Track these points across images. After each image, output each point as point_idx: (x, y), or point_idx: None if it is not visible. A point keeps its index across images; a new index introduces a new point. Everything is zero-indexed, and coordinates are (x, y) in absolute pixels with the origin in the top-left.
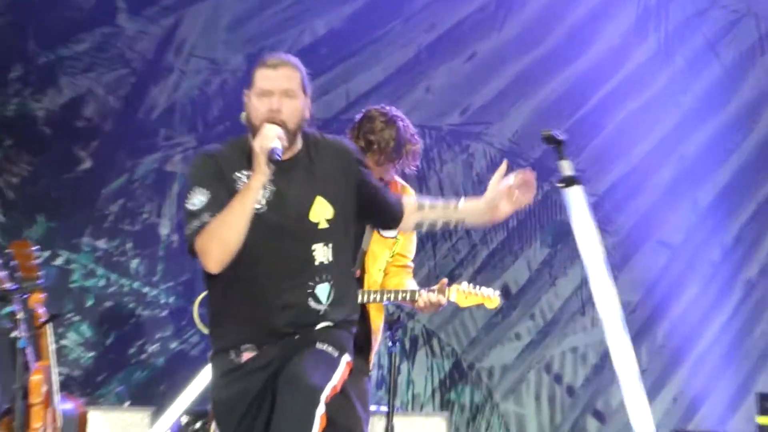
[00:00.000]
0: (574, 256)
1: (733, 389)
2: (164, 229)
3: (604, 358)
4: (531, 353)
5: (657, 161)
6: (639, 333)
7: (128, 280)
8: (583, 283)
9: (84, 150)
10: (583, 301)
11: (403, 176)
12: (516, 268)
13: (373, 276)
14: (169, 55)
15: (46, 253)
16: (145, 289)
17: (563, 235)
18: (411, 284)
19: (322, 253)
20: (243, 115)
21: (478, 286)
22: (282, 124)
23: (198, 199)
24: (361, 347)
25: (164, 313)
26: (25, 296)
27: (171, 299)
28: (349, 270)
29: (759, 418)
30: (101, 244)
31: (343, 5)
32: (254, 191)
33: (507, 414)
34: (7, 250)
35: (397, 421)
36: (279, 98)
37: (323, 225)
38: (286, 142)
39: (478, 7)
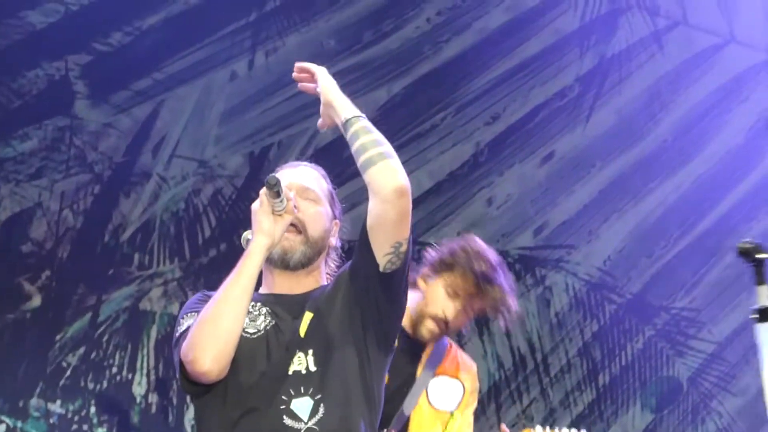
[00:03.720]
0: (687, 423)
1: None
2: (139, 388)
3: None
4: None
5: None
6: None
7: None
8: None
9: (32, 283)
10: None
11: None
12: None
13: None
14: (145, 156)
15: None
16: None
17: (671, 396)
18: None
19: (298, 362)
20: (246, 235)
21: (556, 428)
22: (300, 226)
23: (184, 324)
24: None
25: None
26: None
27: None
28: (350, 386)
29: None
30: (55, 407)
31: (376, 89)
32: (255, 256)
33: None
34: None
35: None
36: (296, 197)
37: (302, 333)
38: (293, 206)
39: (557, 93)
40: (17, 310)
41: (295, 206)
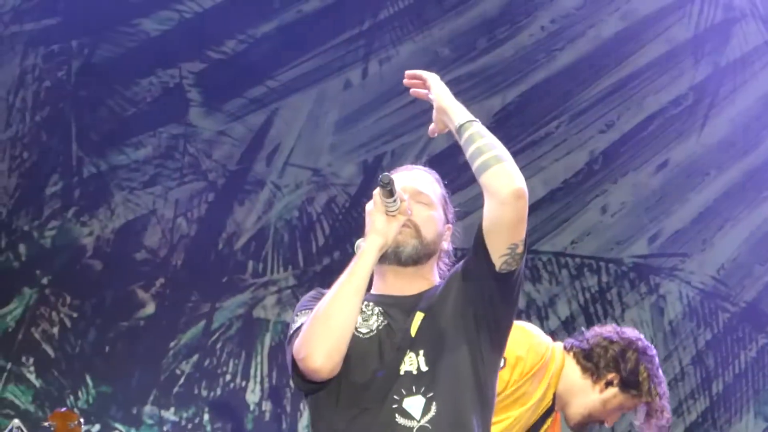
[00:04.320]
0: None
1: None
2: (253, 396)
3: None
4: None
5: None
6: None
7: None
8: None
9: (146, 290)
10: None
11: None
12: None
13: None
14: (259, 164)
15: (96, 427)
16: None
17: None
18: None
19: (409, 362)
20: (359, 243)
21: None
22: (414, 228)
23: (297, 321)
24: None
25: None
26: None
27: None
28: (463, 385)
29: None
30: (169, 415)
31: (490, 97)
32: (369, 255)
33: None
34: (45, 423)
35: None
36: (410, 201)
37: (413, 333)
38: (407, 207)
39: (672, 100)
40: (131, 318)
41: (408, 209)
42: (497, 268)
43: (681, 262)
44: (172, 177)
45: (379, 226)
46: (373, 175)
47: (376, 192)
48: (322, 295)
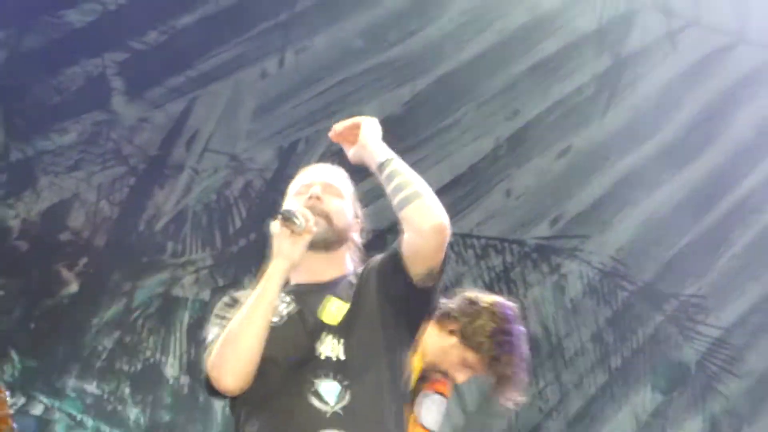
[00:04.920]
0: (693, 404)
1: None
2: (171, 370)
3: None
4: None
5: None
6: None
7: None
8: None
9: (70, 269)
10: None
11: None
12: (619, 421)
13: None
14: (179, 149)
15: (22, 400)
16: None
17: (681, 378)
18: None
19: (330, 347)
20: (271, 223)
21: None
22: (324, 216)
23: (212, 332)
24: None
25: None
26: None
27: None
28: (380, 378)
29: None
30: (91, 388)
31: (400, 86)
32: (272, 280)
33: None
34: None
35: None
36: (320, 190)
37: (334, 322)
38: (314, 225)
39: (575, 89)
40: (56, 296)
41: (318, 196)
42: (415, 284)
43: (581, 243)
44: (96, 162)
45: (285, 251)
46: (288, 161)
47: (278, 224)
48: (234, 301)
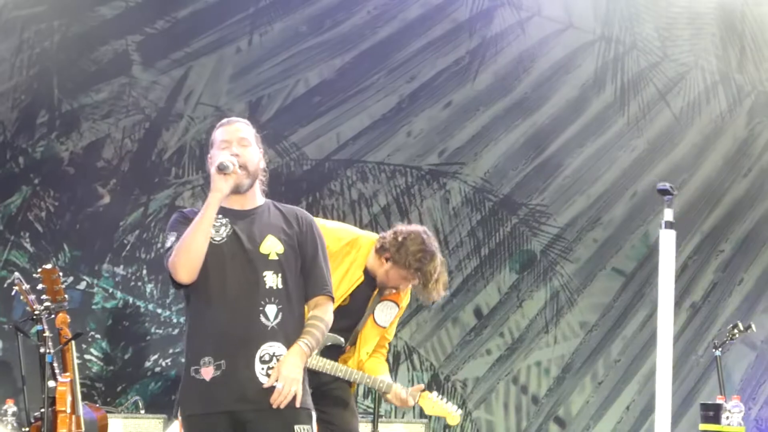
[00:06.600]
0: (539, 280)
1: (679, 400)
2: None
3: (565, 370)
4: (500, 367)
5: (612, 198)
6: (596, 350)
7: (143, 302)
8: (546, 304)
9: (104, 187)
10: (546, 320)
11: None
12: (487, 292)
13: (361, 356)
14: (179, 103)
15: (71, 279)
16: (159, 311)
17: (529, 263)
18: (384, 370)
19: (272, 279)
20: (212, 171)
21: (445, 399)
22: (243, 167)
23: (169, 241)
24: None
25: (176, 331)
26: (52, 317)
27: (182, 319)
28: (299, 303)
29: (702, 425)
30: (120, 270)
31: (333, 59)
32: (211, 207)
33: (479, 421)
34: (36, 275)
35: (382, 427)
36: (236, 146)
37: (273, 257)
38: (239, 170)
39: (454, 61)
40: (94, 206)
41: (237, 154)
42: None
43: (460, 168)
44: (121, 112)
45: (220, 186)
46: (256, 110)
47: (215, 172)
48: (184, 217)
